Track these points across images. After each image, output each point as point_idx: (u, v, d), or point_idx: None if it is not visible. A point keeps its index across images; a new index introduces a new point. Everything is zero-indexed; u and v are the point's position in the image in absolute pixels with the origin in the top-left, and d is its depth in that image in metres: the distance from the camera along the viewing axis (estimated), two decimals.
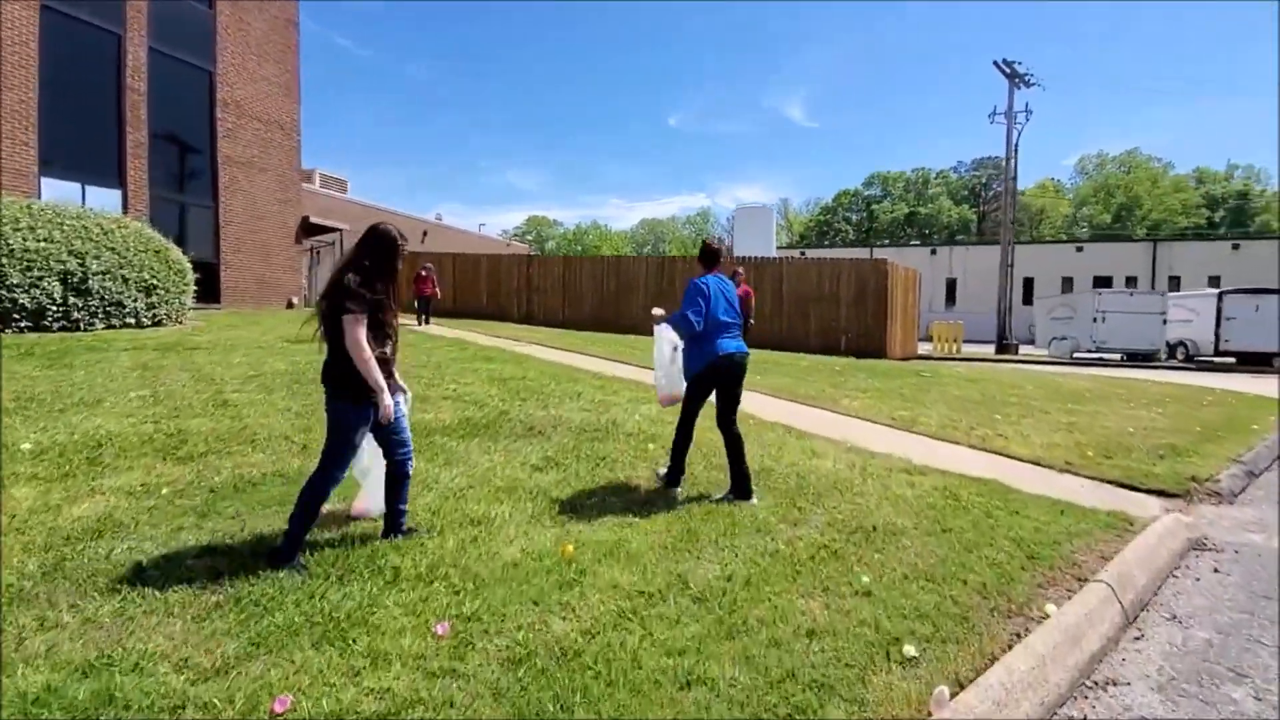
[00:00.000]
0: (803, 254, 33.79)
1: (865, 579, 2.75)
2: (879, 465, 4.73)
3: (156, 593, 2.45)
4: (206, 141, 14.48)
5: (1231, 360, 19.02)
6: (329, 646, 2.12)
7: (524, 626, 2.28)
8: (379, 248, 2.85)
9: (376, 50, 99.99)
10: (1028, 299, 31.14)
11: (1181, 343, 20.37)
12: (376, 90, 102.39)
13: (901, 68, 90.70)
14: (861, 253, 35.67)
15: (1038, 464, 5.27)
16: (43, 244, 8.88)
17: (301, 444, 4.44)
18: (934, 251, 36.80)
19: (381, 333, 2.85)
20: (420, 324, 13.50)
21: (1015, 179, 23.97)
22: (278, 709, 1.82)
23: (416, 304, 13.78)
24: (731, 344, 3.86)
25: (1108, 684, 2.35)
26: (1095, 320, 19.74)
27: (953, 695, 1.98)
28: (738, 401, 3.99)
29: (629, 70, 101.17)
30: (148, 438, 4.30)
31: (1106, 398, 8.74)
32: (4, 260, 8.43)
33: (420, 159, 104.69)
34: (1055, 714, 2.14)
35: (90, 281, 9.41)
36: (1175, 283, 30.54)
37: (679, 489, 3.96)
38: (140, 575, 2.58)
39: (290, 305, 16.40)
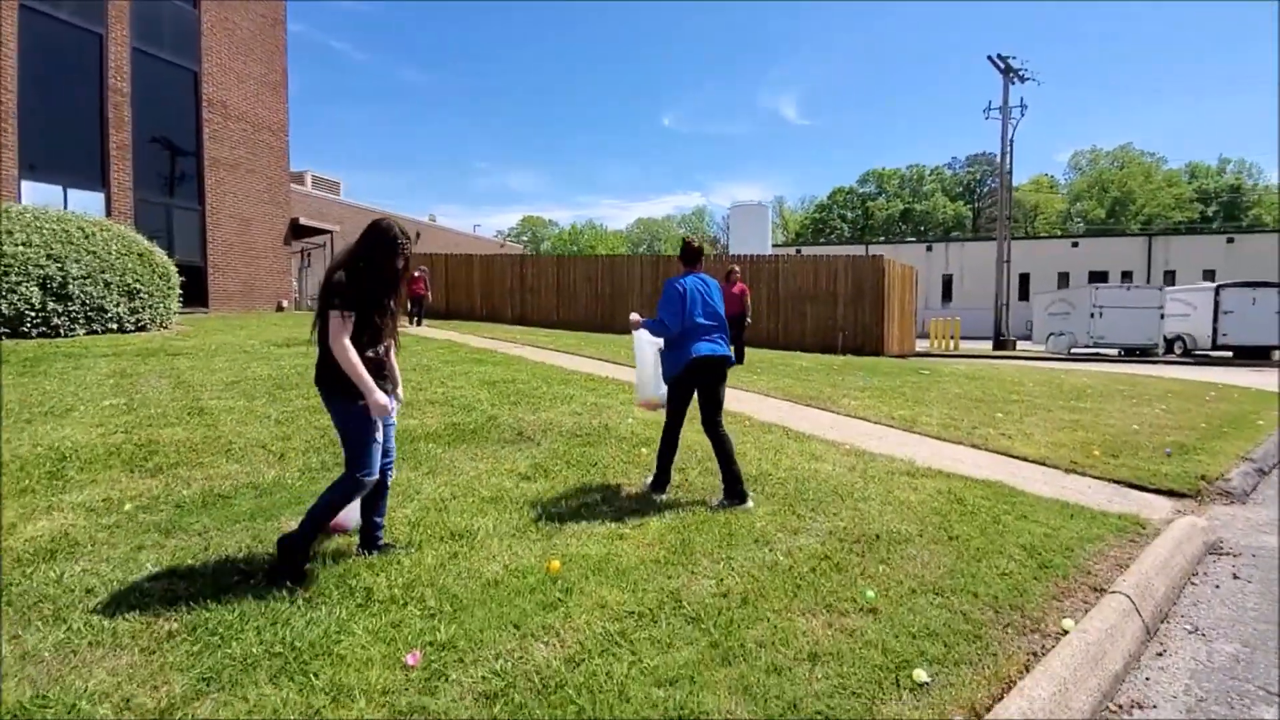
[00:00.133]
0: (798, 252, 33.67)
1: (870, 594, 2.58)
2: (880, 468, 4.57)
3: (106, 621, 2.26)
4: (192, 143, 14.24)
5: (1229, 354, 18.96)
6: (288, 681, 1.94)
7: (503, 654, 2.10)
8: (376, 244, 2.68)
9: (372, 54, 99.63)
10: (1024, 295, 31.08)
11: (1179, 337, 20.30)
12: (373, 93, 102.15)
13: (895, 66, 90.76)
14: (857, 250, 35.56)
15: (1043, 464, 5.12)
16: (20, 249, 8.66)
17: (279, 453, 4.25)
18: (930, 248, 36.71)
19: (375, 334, 2.69)
20: (413, 325, 13.31)
21: (1011, 173, 23.86)
22: None
23: (409, 305, 13.59)
24: (708, 346, 3.72)
25: (1133, 707, 2.19)
26: (1093, 315, 19.65)
27: None
28: (720, 403, 3.86)
29: (623, 71, 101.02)
30: (115, 449, 4.10)
31: (1109, 394, 8.60)
32: None
33: (417, 161, 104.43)
34: None
35: (70, 286, 9.19)
36: (1170, 277, 30.53)
37: (664, 495, 3.79)
38: (91, 601, 2.40)
39: (280, 308, 16.18)
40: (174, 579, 2.60)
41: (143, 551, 2.84)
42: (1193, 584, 3.21)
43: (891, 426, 6.15)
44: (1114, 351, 20.04)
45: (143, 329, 10.40)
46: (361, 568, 2.70)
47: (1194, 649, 2.59)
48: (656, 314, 3.82)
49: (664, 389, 3.92)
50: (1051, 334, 21.71)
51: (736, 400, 7.02)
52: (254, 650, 2.09)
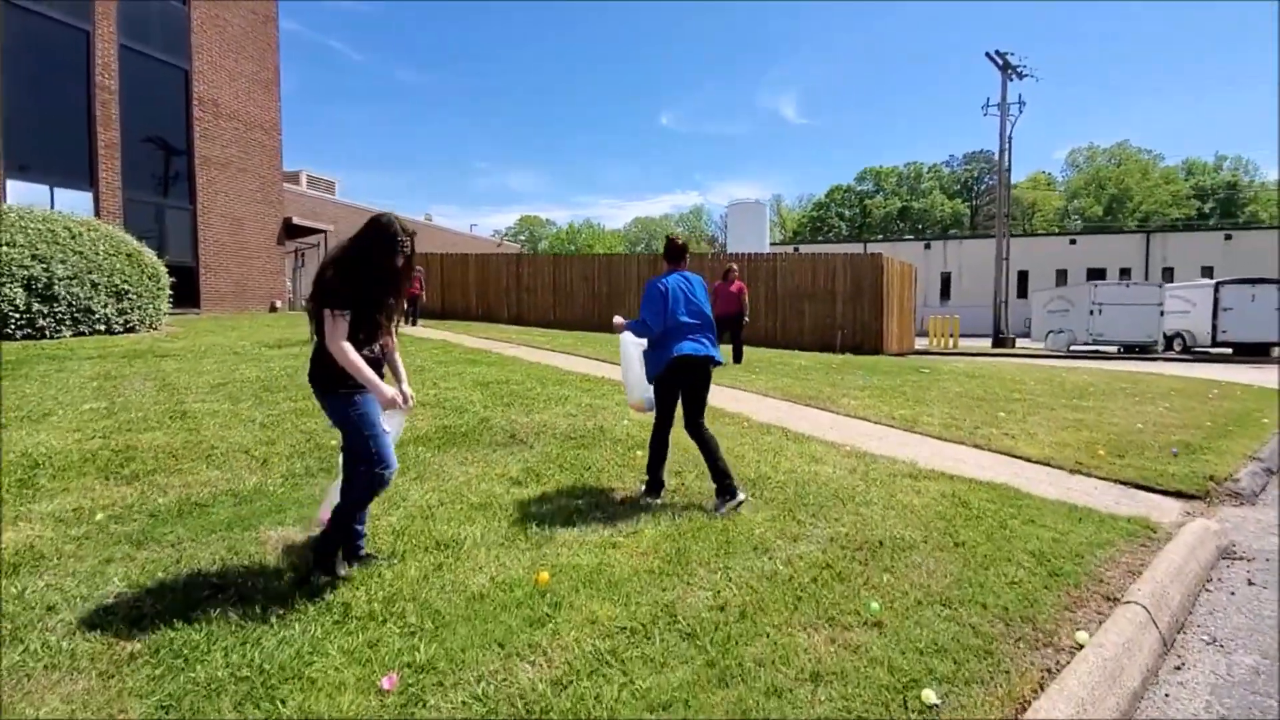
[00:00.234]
0: (796, 250, 33.55)
1: (874, 606, 2.46)
2: (882, 470, 4.45)
3: (65, 642, 2.13)
4: (183, 142, 14.07)
5: (1228, 351, 18.89)
6: (253, 709, 1.81)
7: (485, 676, 1.98)
8: (375, 241, 2.55)
9: (370, 54, 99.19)
10: (1022, 292, 31.00)
11: (1179, 334, 20.22)
12: (371, 93, 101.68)
13: (894, 65, 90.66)
14: (855, 248, 35.46)
15: (1047, 464, 5.01)
16: (4, 249, 8.50)
17: (262, 458, 4.12)
18: (928, 246, 36.62)
19: (371, 332, 2.58)
20: (407, 325, 13.16)
21: (1009, 170, 23.77)
22: None
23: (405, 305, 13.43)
24: (690, 345, 3.63)
25: None
26: (1092, 313, 19.56)
27: None
28: (703, 404, 3.78)
29: (621, 71, 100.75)
30: (91, 455, 3.96)
31: (1111, 393, 8.49)
32: None
33: (415, 161, 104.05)
34: None
35: (56, 287, 9.03)
36: (1169, 274, 30.47)
37: (659, 499, 3.67)
38: (51, 620, 2.26)
39: (274, 309, 16.01)
40: (142, 594, 2.47)
41: (111, 565, 2.71)
42: (1207, 591, 3.10)
43: (892, 427, 6.03)
44: (1113, 349, 19.96)
45: (131, 330, 10.24)
46: (340, 581, 2.57)
47: (1213, 662, 2.47)
48: (639, 315, 3.74)
49: (650, 391, 3.84)
50: (1051, 331, 21.63)
51: (734, 400, 6.90)
52: (219, 674, 1.96)
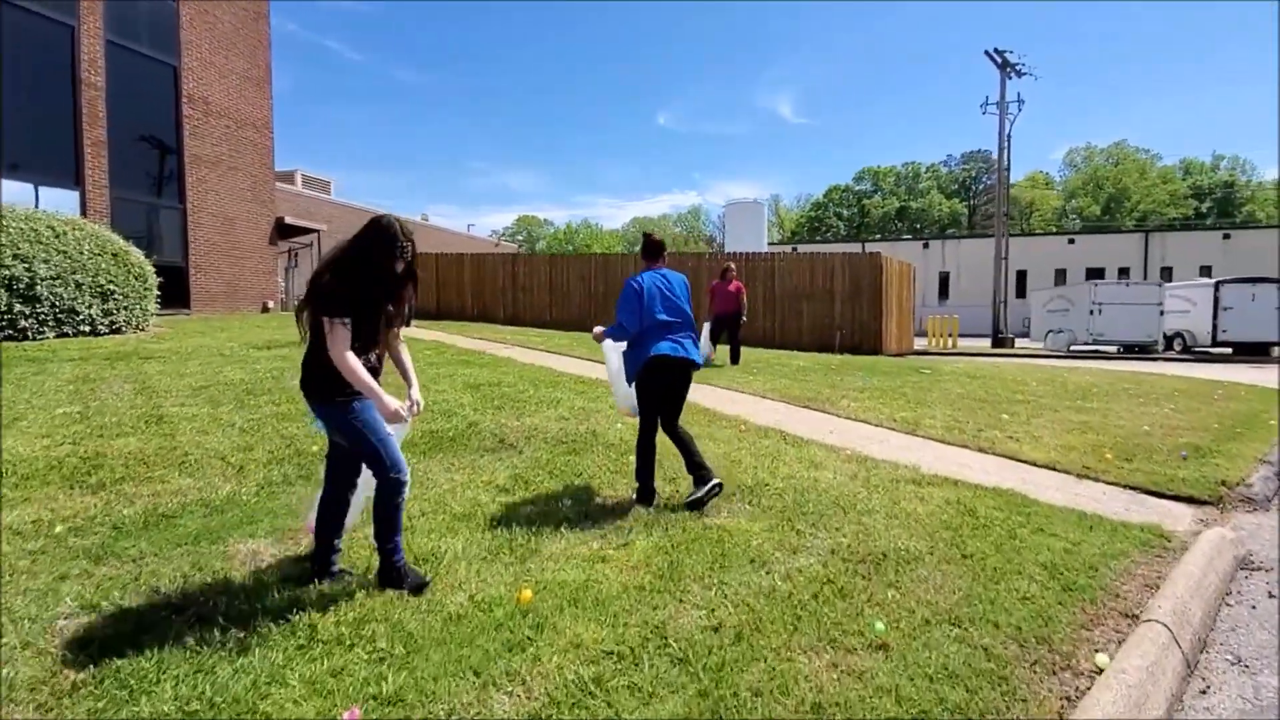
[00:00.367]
0: (794, 250, 33.43)
1: (879, 626, 2.30)
2: (884, 475, 4.29)
3: (5, 669, 1.96)
4: (172, 139, 13.86)
5: (1228, 350, 18.79)
6: None
7: (457, 709, 1.81)
8: (374, 243, 2.40)
9: (368, 54, 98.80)
10: (1021, 292, 30.90)
11: (1179, 334, 20.12)
12: (369, 93, 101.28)
13: (892, 64, 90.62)
14: (853, 248, 35.32)
15: (1054, 469, 4.86)
16: None
17: (238, 466, 3.95)
18: (926, 245, 36.50)
19: (370, 340, 2.44)
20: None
21: (1009, 169, 23.65)
22: None
23: None
24: (668, 346, 3.53)
25: None
26: (1092, 312, 19.45)
27: None
28: (680, 407, 3.72)
29: (619, 70, 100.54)
30: (58, 463, 3.79)
31: (1115, 394, 8.35)
32: None
33: (413, 161, 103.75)
34: None
35: (39, 287, 8.83)
36: (1167, 273, 30.39)
37: (651, 507, 3.51)
38: None
39: (266, 309, 15.82)
40: (94, 616, 2.30)
41: (66, 582, 2.54)
42: (1228, 605, 2.95)
43: (893, 430, 5.88)
44: (1113, 348, 19.85)
45: (117, 331, 10.04)
46: (310, 599, 2.40)
47: (1239, 684, 2.32)
48: (615, 317, 3.64)
49: (634, 400, 3.72)
50: (1050, 331, 21.51)
51: (732, 402, 6.74)
52: (166, 708, 1.80)
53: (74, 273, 9.34)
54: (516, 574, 2.66)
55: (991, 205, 48.69)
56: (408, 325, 2.72)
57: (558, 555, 2.85)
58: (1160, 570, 3.04)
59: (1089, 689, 2.04)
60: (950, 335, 20.88)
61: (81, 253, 9.52)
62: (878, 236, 52.61)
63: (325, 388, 2.41)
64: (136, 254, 10.60)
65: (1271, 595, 3.05)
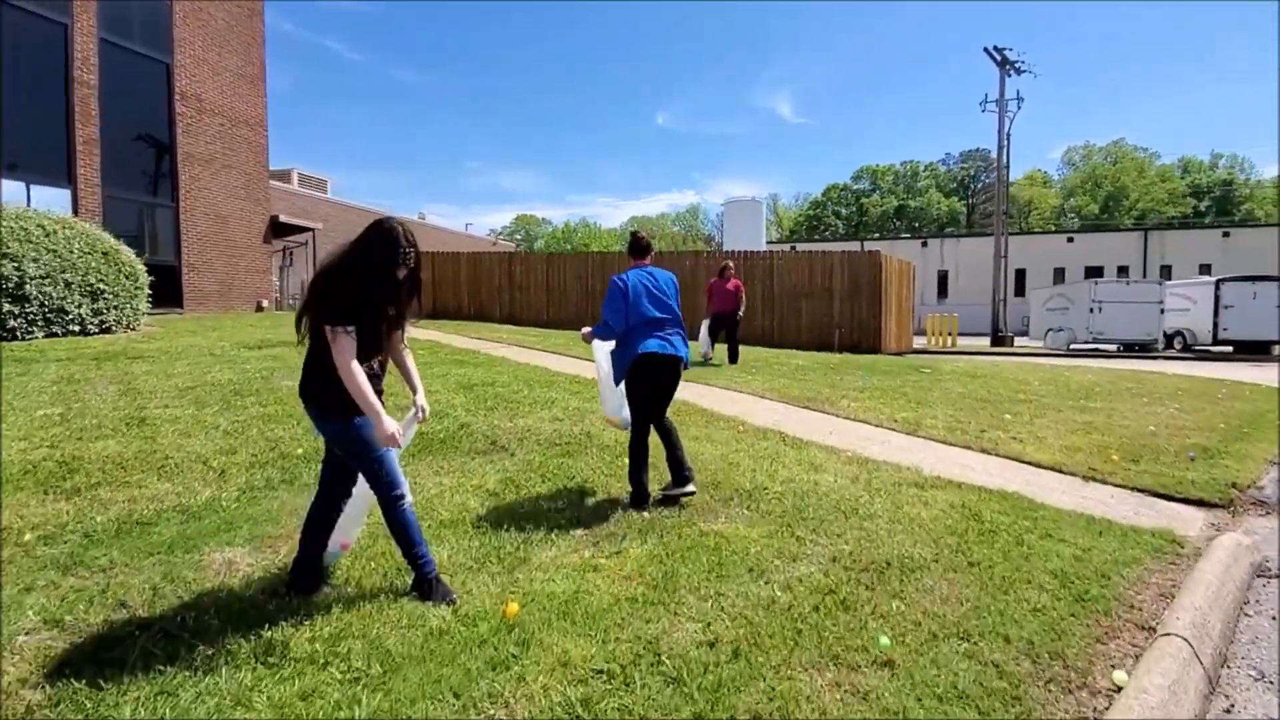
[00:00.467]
0: (793, 248, 33.32)
1: (884, 640, 2.18)
2: (886, 478, 4.18)
3: None
4: (165, 137, 13.71)
5: (1229, 349, 18.70)
6: None
7: None
8: (375, 247, 2.29)
9: (366, 53, 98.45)
10: (1019, 290, 30.81)
11: (1179, 332, 20.02)
12: (368, 93, 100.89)
13: (890, 63, 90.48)
14: (852, 247, 35.21)
15: (1059, 471, 4.75)
16: None
17: (219, 469, 3.82)
18: (925, 244, 36.39)
19: (371, 347, 2.34)
20: None
21: (1008, 167, 23.54)
22: None
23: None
24: (656, 343, 3.50)
25: None
26: (1092, 311, 19.35)
27: None
28: (667, 405, 3.69)
29: (617, 70, 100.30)
30: (33, 466, 3.66)
31: (1118, 393, 8.24)
32: None
33: (411, 160, 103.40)
34: None
35: (27, 287, 8.69)
36: (1166, 271, 30.30)
37: (646, 512, 3.40)
38: None
39: (260, 308, 15.68)
40: (57, 631, 2.18)
41: (31, 594, 2.42)
42: (1246, 615, 2.83)
43: (894, 430, 5.76)
44: (1113, 347, 19.76)
45: (108, 331, 9.90)
46: (284, 613, 2.28)
47: (1264, 702, 2.20)
48: (602, 318, 3.59)
49: (626, 410, 3.66)
50: (1050, 330, 21.41)
51: (731, 402, 6.63)
52: None
53: (63, 272, 9.21)
54: (504, 585, 2.54)
55: (990, 204, 48.58)
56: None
57: (547, 564, 2.73)
58: (1175, 578, 2.93)
59: (1108, 709, 1.93)
60: (950, 334, 20.78)
61: (71, 251, 9.39)
62: (876, 235, 52.51)
63: (325, 396, 2.31)
64: (127, 253, 10.47)
65: None
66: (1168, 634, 2.32)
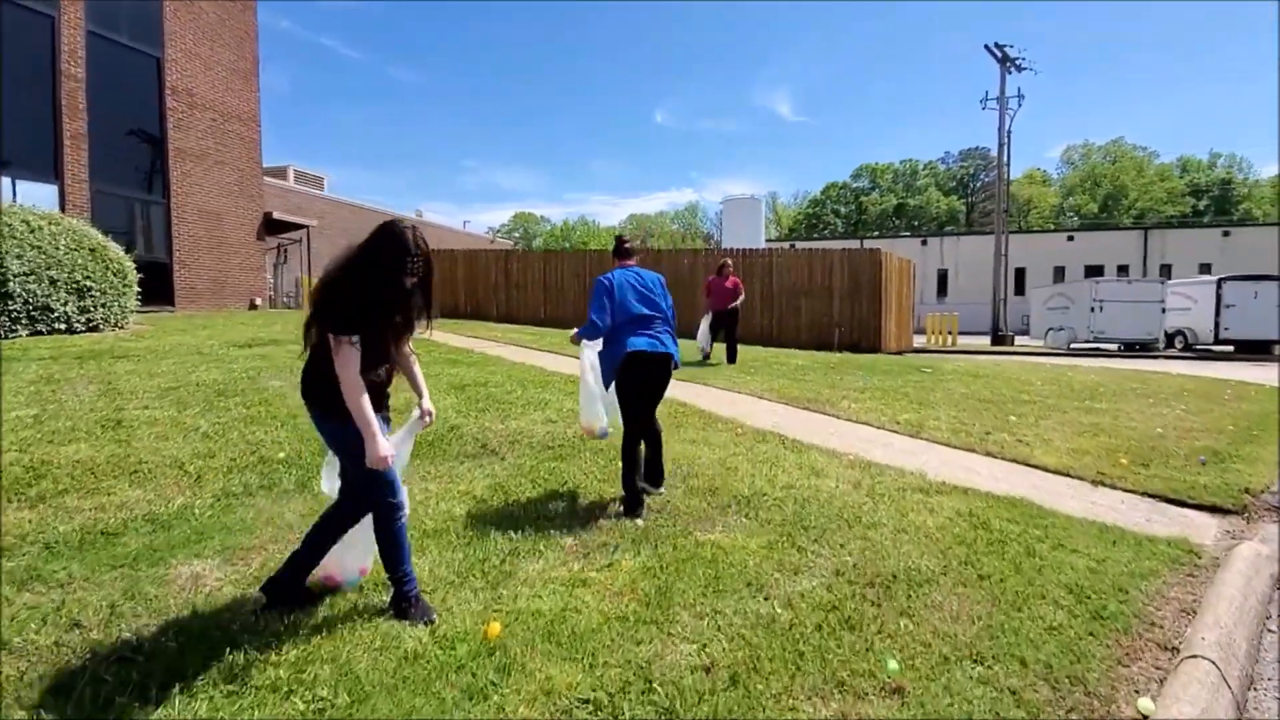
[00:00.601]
0: (792, 246, 33.17)
1: (893, 664, 2.04)
2: (889, 483, 4.03)
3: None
4: (155, 132, 13.51)
5: (1230, 349, 18.59)
6: None
7: None
8: (380, 251, 2.16)
9: (365, 52, 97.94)
10: (1019, 289, 30.70)
11: (1180, 331, 19.90)
12: (365, 91, 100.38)
13: (889, 62, 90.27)
14: (851, 245, 35.07)
15: (1067, 475, 4.61)
16: None
17: (195, 474, 3.67)
18: (925, 242, 36.25)
19: (377, 356, 2.22)
20: None
21: (1009, 165, 23.40)
22: None
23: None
24: (645, 341, 3.41)
25: None
26: (1093, 310, 19.22)
27: None
28: (656, 405, 3.62)
29: (615, 68, 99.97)
30: None
31: (1123, 394, 8.11)
32: None
33: (409, 158, 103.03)
34: None
35: (11, 284, 8.50)
36: (1166, 270, 30.21)
37: (640, 519, 3.25)
38: None
39: (254, 306, 15.49)
40: (4, 654, 2.02)
41: None
42: (1269, 631, 2.69)
43: (896, 432, 5.62)
44: (1113, 346, 19.64)
45: (94, 329, 9.72)
46: (248, 632, 2.13)
47: None
48: (588, 317, 3.51)
49: (603, 420, 3.55)
50: (1050, 329, 21.29)
51: (729, 403, 6.48)
52: None
53: (49, 269, 9.02)
54: (486, 602, 2.39)
55: (989, 203, 48.44)
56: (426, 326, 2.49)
57: (534, 578, 2.58)
58: (1194, 592, 2.78)
59: None
60: (950, 333, 20.65)
61: (57, 248, 9.20)
62: (876, 234, 52.35)
63: (326, 397, 2.19)
64: (115, 249, 10.28)
65: None
66: (1193, 655, 2.18)
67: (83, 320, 9.53)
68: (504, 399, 5.88)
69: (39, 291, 8.87)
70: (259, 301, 15.72)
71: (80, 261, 9.48)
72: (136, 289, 10.65)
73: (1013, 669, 2.08)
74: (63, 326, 9.25)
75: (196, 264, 14.16)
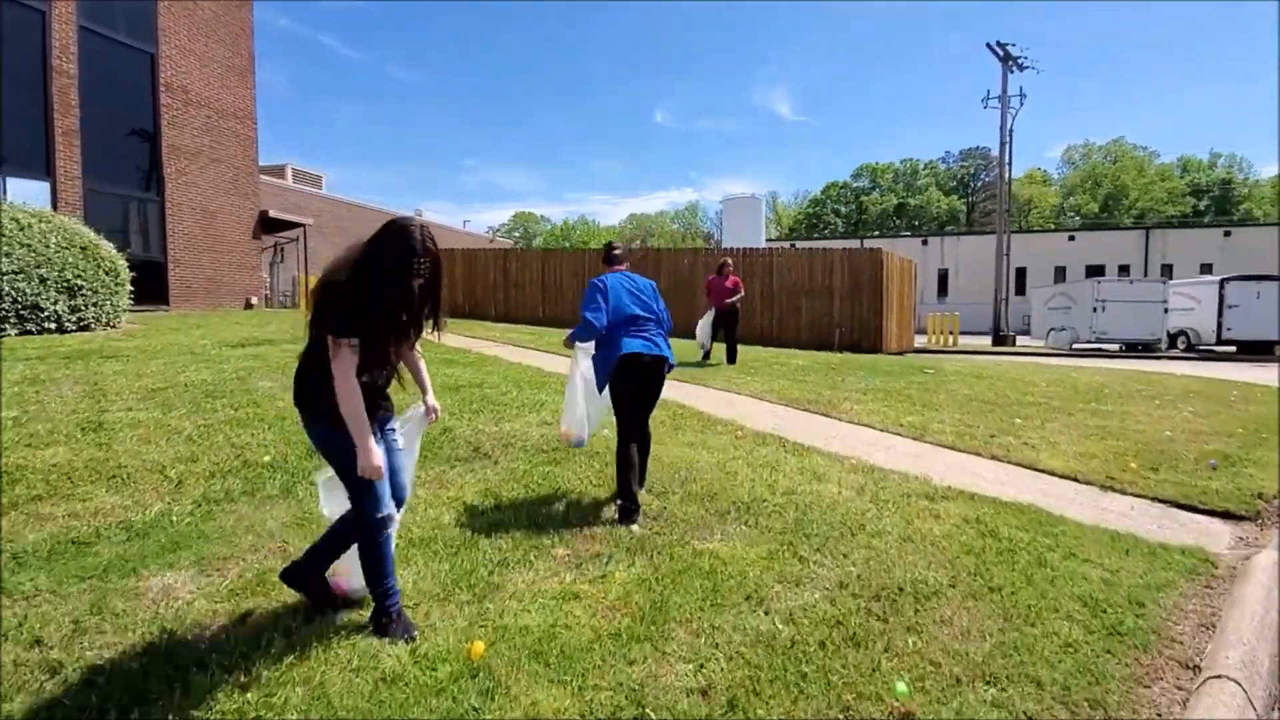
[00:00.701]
0: (792, 246, 33.08)
1: (901, 687, 1.92)
2: (894, 489, 3.91)
3: None
4: (149, 129, 13.38)
5: (1232, 349, 18.48)
6: None
7: None
8: (384, 250, 2.04)
9: (364, 50, 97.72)
10: (1020, 289, 30.58)
11: (1183, 332, 19.78)
12: (364, 90, 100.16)
13: (888, 61, 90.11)
14: (851, 244, 34.94)
15: (1075, 479, 4.49)
16: None
17: (176, 479, 3.54)
18: (925, 242, 36.13)
19: (377, 360, 2.10)
20: None
21: (1011, 164, 23.28)
22: None
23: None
24: (640, 344, 3.36)
25: None
26: (1095, 310, 19.10)
27: None
28: (651, 409, 3.54)
29: (615, 68, 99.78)
30: None
31: (1128, 395, 7.99)
32: None
33: (409, 158, 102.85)
34: None
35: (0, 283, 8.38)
36: (1167, 270, 30.10)
37: (635, 527, 3.13)
38: None
39: (249, 305, 15.37)
40: None
41: None
42: None
43: (899, 435, 5.50)
44: (1115, 347, 19.52)
45: (85, 329, 9.59)
46: (215, 652, 2.01)
47: None
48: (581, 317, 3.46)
49: (585, 429, 3.48)
50: (1052, 329, 21.17)
51: (728, 404, 6.36)
52: None
53: (39, 267, 8.90)
54: (472, 617, 2.27)
55: (990, 202, 48.33)
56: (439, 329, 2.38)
57: (522, 591, 2.46)
58: (1213, 604, 2.67)
59: None
60: (951, 333, 20.53)
61: (48, 246, 9.08)
62: (876, 233, 52.23)
63: (320, 401, 2.06)
64: (108, 248, 10.15)
65: None
66: (1217, 676, 2.06)
67: (73, 320, 9.41)
68: (499, 400, 5.76)
69: (28, 290, 8.74)
70: (255, 300, 15.60)
71: (71, 260, 9.35)
72: (129, 288, 10.52)
73: (1028, 691, 1.96)
74: (53, 326, 9.12)
75: (191, 262, 14.03)
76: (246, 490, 3.45)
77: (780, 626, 2.26)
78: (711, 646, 2.13)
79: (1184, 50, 77.30)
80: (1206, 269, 28.72)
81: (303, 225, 18.80)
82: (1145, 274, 29.95)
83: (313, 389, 2.09)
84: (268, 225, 17.16)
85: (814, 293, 15.27)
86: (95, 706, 1.76)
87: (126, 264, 10.47)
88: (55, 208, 11.34)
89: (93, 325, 9.72)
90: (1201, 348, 19.31)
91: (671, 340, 3.72)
